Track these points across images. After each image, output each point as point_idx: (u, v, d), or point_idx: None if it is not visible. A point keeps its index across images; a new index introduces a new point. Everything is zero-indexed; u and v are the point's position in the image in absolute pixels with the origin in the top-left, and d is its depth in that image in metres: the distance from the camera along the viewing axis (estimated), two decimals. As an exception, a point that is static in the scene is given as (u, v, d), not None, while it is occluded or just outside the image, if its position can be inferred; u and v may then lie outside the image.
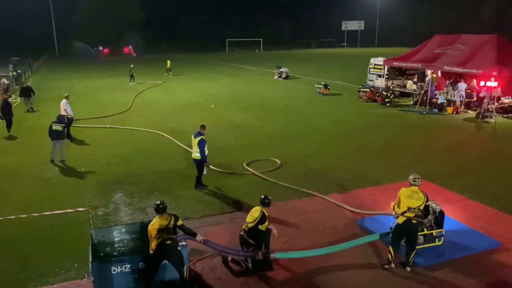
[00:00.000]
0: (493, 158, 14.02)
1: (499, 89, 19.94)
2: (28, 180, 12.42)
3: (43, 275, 7.54)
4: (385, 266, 7.58)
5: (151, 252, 6.75)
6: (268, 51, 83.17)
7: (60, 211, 9.67)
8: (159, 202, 6.94)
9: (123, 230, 7.84)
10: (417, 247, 7.60)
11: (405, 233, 7.52)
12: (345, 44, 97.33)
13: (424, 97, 22.31)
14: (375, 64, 27.37)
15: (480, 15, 77.03)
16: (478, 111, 19.99)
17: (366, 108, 23.10)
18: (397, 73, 26.08)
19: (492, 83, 19.16)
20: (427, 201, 7.48)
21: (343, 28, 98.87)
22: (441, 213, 8.21)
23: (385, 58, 26.72)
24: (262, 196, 7.64)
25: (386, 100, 23.54)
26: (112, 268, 6.72)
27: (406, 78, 25.93)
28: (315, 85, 28.73)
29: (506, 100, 20.61)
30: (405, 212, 7.40)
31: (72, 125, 17.62)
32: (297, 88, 31.36)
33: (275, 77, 37.80)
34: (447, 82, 23.03)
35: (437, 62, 22.26)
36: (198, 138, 10.86)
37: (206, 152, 11.03)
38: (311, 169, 12.98)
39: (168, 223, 6.74)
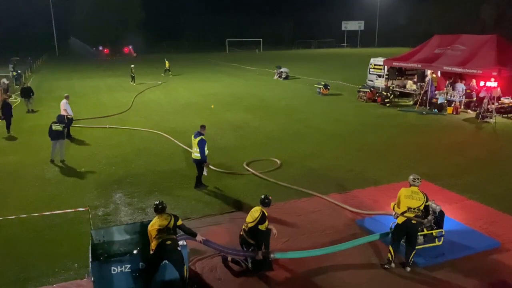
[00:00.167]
0: (493, 158, 14.02)
1: (499, 89, 19.94)
2: (28, 180, 12.42)
3: (43, 275, 7.54)
4: (385, 266, 7.59)
5: (151, 252, 6.75)
6: (268, 51, 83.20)
7: (60, 211, 9.68)
8: (158, 202, 6.94)
9: (123, 230, 7.84)
10: (417, 247, 7.60)
11: (405, 233, 7.53)
12: (345, 44, 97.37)
13: (424, 97, 22.32)
14: (375, 64, 27.38)
15: (480, 15, 77.02)
16: (478, 111, 20.00)
17: (366, 108, 23.11)
18: (397, 73, 26.08)
19: (492, 83, 19.17)
20: (427, 201, 7.49)
21: (343, 28, 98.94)
22: (441, 213, 8.22)
23: (385, 58, 26.73)
24: (262, 196, 7.64)
25: (386, 100, 23.55)
26: (112, 268, 6.72)
27: (406, 78, 25.94)
28: (315, 85, 28.73)
29: (506, 100, 20.62)
30: (405, 212, 7.40)
31: (72, 125, 17.62)
32: (297, 88, 31.36)
33: (275, 77, 37.80)
34: (447, 82, 23.03)
35: (437, 62, 22.27)
36: (198, 138, 10.86)
37: (206, 152, 11.03)
38: (311, 169, 12.98)
39: (168, 223, 6.73)
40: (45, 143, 14.85)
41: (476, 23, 72.41)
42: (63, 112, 16.25)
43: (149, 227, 6.83)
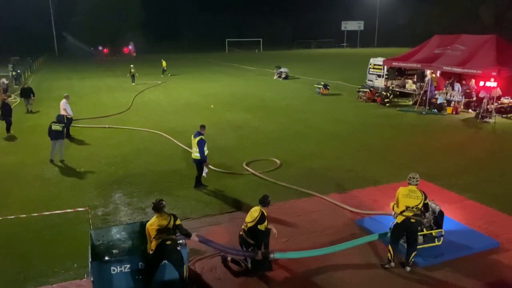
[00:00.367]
0: (493, 158, 14.03)
1: (499, 89, 19.95)
2: (28, 180, 12.42)
3: (42, 275, 7.54)
4: (385, 266, 7.59)
5: (150, 252, 6.74)
6: (268, 51, 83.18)
7: (60, 211, 9.67)
8: (157, 201, 6.89)
9: (122, 230, 7.84)
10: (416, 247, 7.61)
11: (404, 232, 7.53)
12: (344, 44, 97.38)
13: (424, 97, 22.33)
14: (374, 64, 27.38)
15: (480, 15, 77.06)
16: (477, 111, 20.01)
17: (366, 108, 23.11)
18: (396, 73, 26.08)
19: (491, 83, 19.18)
20: (425, 199, 7.49)
21: (342, 28, 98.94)
22: (441, 213, 8.22)
23: (384, 58, 26.73)
24: (262, 196, 7.64)
25: (386, 100, 23.56)
26: (112, 268, 6.72)
27: (406, 78, 25.95)
28: (315, 85, 28.74)
29: (505, 100, 20.63)
30: (403, 211, 7.41)
31: (72, 125, 17.62)
32: (297, 88, 31.37)
33: (275, 77, 37.81)
34: (447, 82, 23.04)
35: (436, 62, 22.27)
36: (198, 138, 10.86)
37: (206, 152, 11.03)
38: (310, 169, 12.99)
39: (167, 224, 6.70)
40: (45, 143, 14.85)
41: (475, 23, 72.42)
42: (62, 112, 16.26)
43: (148, 226, 6.81)
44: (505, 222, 9.26)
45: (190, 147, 12.30)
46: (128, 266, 6.79)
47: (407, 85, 25.12)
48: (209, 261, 7.86)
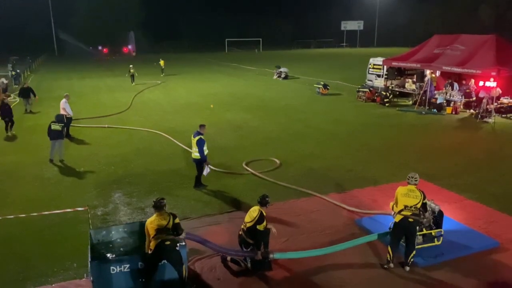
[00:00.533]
0: (492, 158, 14.03)
1: (498, 89, 19.96)
2: (27, 179, 12.41)
3: (42, 275, 7.53)
4: (384, 266, 7.59)
5: (149, 251, 6.74)
6: (268, 51, 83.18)
7: (59, 211, 9.66)
8: (158, 199, 6.88)
9: (122, 229, 7.84)
10: (416, 247, 7.60)
11: (403, 232, 7.53)
12: (344, 44, 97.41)
13: (423, 97, 22.33)
14: (374, 64, 27.39)
15: (479, 15, 77.09)
16: (477, 111, 20.02)
17: (365, 108, 23.12)
18: (396, 73, 26.08)
19: (491, 83, 19.19)
20: (424, 199, 7.50)
21: (342, 28, 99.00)
22: (440, 213, 8.22)
23: (384, 58, 26.73)
24: (260, 196, 7.64)
25: (385, 100, 23.56)
26: (111, 267, 6.72)
27: (405, 78, 25.95)
28: (314, 85, 28.74)
29: (505, 100, 20.63)
30: (402, 210, 7.42)
31: (72, 125, 17.60)
32: (297, 88, 31.37)
33: (275, 77, 37.80)
34: (446, 82, 23.05)
35: (436, 62, 22.27)
36: (197, 138, 10.86)
37: (206, 151, 11.02)
38: (310, 169, 12.98)
39: (167, 224, 6.69)
40: (45, 143, 14.83)
41: (475, 23, 72.43)
42: (62, 112, 16.25)
43: (148, 223, 6.79)
44: (504, 222, 9.26)
45: (190, 147, 12.31)
46: (127, 265, 6.79)
47: (406, 85, 25.12)
48: (209, 261, 7.85)
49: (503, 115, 20.07)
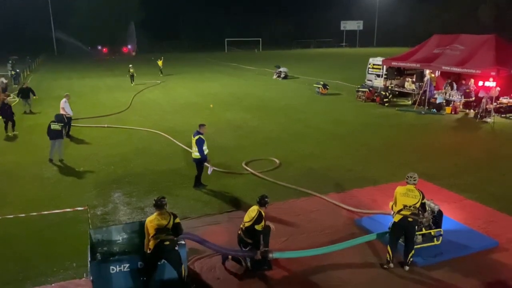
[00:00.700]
0: (492, 158, 14.04)
1: (497, 89, 19.97)
2: (27, 179, 12.41)
3: (41, 275, 7.54)
4: (384, 266, 7.59)
5: (148, 251, 6.74)
6: (267, 51, 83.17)
7: (59, 211, 9.64)
8: (159, 198, 6.87)
9: (121, 229, 7.83)
10: (415, 246, 7.61)
11: (403, 232, 7.55)
12: (344, 44, 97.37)
13: (423, 97, 22.34)
14: (373, 64, 27.38)
15: (479, 15, 77.12)
16: (476, 111, 20.03)
17: (365, 108, 23.12)
18: (395, 73, 26.05)
19: (490, 83, 19.18)
20: (423, 199, 7.51)
21: (342, 28, 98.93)
22: (440, 213, 8.23)
23: (383, 58, 26.73)
24: (260, 196, 7.64)
25: (385, 100, 23.56)
26: (111, 267, 6.72)
27: (405, 78, 25.96)
28: (314, 85, 28.74)
29: (504, 100, 20.64)
30: (401, 210, 7.43)
31: (72, 124, 17.57)
32: (296, 88, 31.37)
33: (274, 76, 37.80)
34: (446, 82, 23.05)
35: (435, 62, 22.28)
36: (196, 137, 10.87)
37: (206, 151, 11.02)
38: (310, 169, 12.99)
39: (167, 224, 6.69)
40: (44, 143, 14.82)
41: (475, 23, 72.48)
42: (61, 111, 16.24)
43: (148, 221, 6.79)
44: (504, 222, 9.27)
45: (189, 147, 12.32)
46: (127, 265, 6.79)
47: (406, 85, 25.13)
48: (208, 261, 7.85)
49: (502, 115, 20.08)
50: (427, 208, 8.07)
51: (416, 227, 7.65)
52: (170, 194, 10.96)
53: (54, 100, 24.02)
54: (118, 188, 11.62)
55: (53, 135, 13.70)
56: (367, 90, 24.91)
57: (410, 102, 24.18)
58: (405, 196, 7.45)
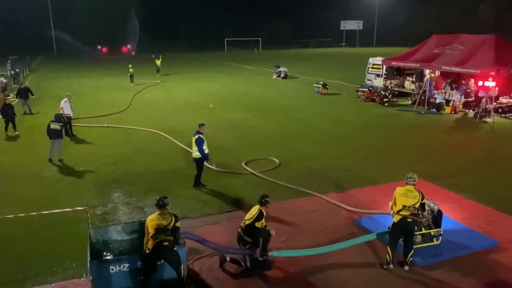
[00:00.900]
0: (491, 158, 14.05)
1: (497, 89, 19.98)
2: (27, 179, 12.41)
3: (41, 274, 7.53)
4: (384, 267, 7.60)
5: (147, 250, 6.73)
6: (267, 51, 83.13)
7: (59, 210, 9.64)
8: (160, 198, 6.86)
9: (121, 229, 7.83)
10: (415, 246, 7.62)
11: (402, 232, 7.55)
12: (343, 43, 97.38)
13: (423, 97, 22.34)
14: (373, 64, 27.38)
15: (479, 15, 77.13)
16: (476, 111, 20.03)
17: (365, 107, 23.13)
18: (395, 72, 26.04)
19: (490, 83, 19.18)
20: (422, 199, 7.51)
21: (341, 28, 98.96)
22: (439, 213, 8.23)
23: (383, 58, 26.74)
24: (260, 196, 7.65)
25: (385, 99, 23.57)
26: (111, 267, 6.72)
27: (405, 78, 25.96)
28: (314, 85, 28.73)
29: (504, 100, 20.65)
30: (400, 210, 7.43)
31: (72, 124, 17.55)
32: (296, 88, 31.37)
33: (274, 76, 37.80)
34: (445, 81, 23.06)
35: (435, 62, 22.28)
36: (196, 137, 10.87)
37: (206, 150, 11.01)
38: (310, 169, 12.99)
39: (167, 224, 6.69)
40: (44, 142, 14.82)
41: (474, 22, 72.48)
42: (61, 111, 16.24)
43: (148, 220, 6.79)
44: (503, 222, 9.28)
45: (189, 147, 12.31)
46: (127, 265, 6.79)
47: (406, 85, 25.14)
48: (208, 260, 7.85)
49: (502, 115, 20.09)
50: (426, 208, 8.08)
51: (416, 227, 7.66)
52: (170, 194, 10.89)
53: (54, 100, 24.02)
54: (117, 188, 11.62)
55: (53, 134, 13.70)
56: (366, 90, 24.92)
57: (409, 102, 24.19)
58: (404, 197, 7.46)
